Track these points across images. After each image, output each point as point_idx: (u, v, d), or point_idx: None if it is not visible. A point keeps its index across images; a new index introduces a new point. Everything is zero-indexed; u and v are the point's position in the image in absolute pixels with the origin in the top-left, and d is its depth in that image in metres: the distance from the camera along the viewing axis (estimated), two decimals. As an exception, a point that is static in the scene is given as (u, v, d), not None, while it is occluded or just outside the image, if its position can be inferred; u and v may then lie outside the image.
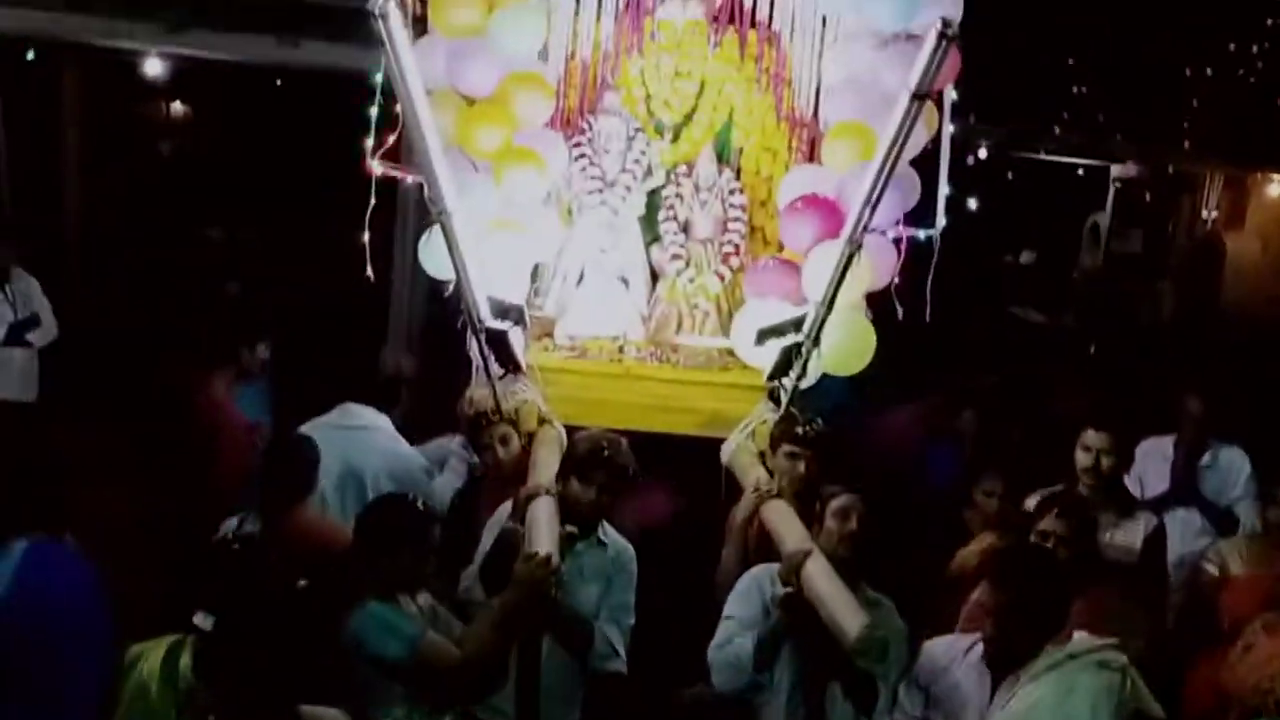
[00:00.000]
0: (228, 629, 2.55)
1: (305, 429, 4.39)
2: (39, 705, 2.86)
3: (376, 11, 2.98)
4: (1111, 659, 3.10)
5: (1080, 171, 10.96)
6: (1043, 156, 10.29)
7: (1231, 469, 4.84)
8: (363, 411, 4.62)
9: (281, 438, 4.45)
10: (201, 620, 2.59)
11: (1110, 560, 3.91)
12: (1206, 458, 4.89)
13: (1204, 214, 10.25)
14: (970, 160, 9.05)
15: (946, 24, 3.12)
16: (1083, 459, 4.09)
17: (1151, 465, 4.88)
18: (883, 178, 3.48)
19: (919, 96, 3.23)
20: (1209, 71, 9.16)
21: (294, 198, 10.10)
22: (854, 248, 3.68)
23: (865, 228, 3.65)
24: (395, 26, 3.04)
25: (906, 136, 3.36)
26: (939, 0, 4.13)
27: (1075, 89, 9.41)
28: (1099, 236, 11.69)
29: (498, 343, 4.10)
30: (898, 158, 3.45)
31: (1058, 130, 9.63)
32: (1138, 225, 11.34)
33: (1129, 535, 3.99)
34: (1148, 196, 10.64)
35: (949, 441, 5.47)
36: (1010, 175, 10.62)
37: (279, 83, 10.17)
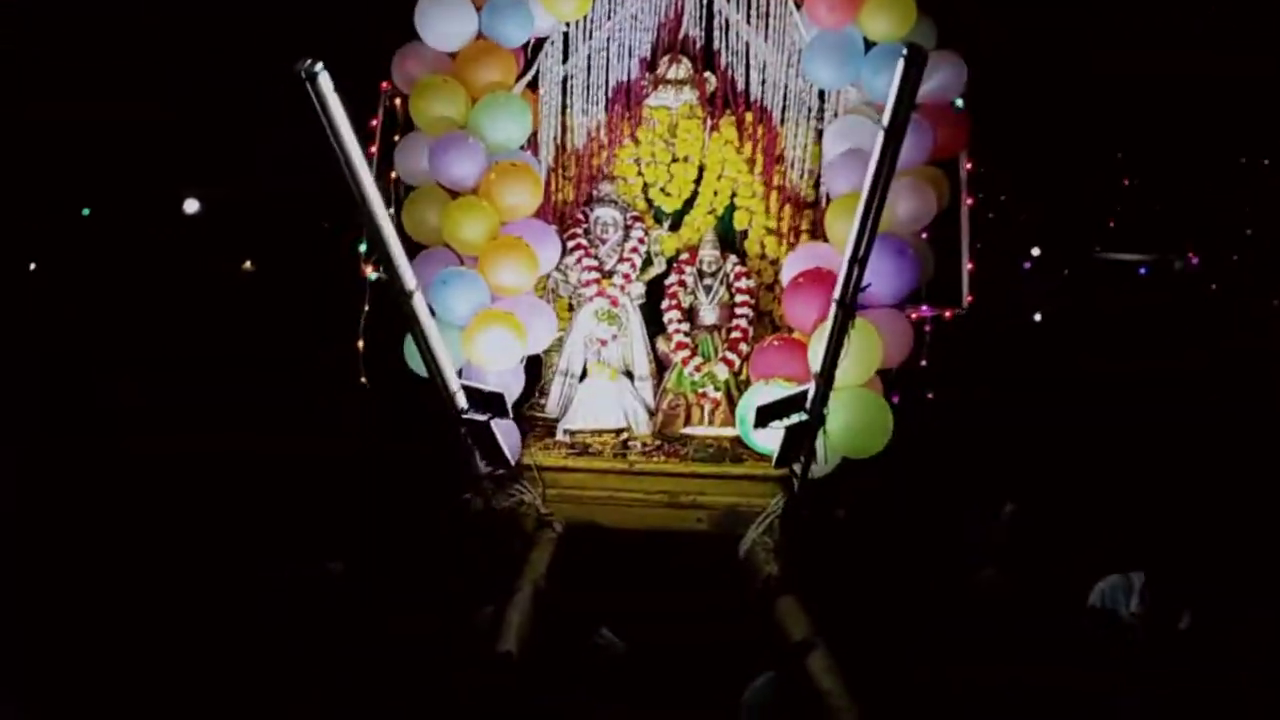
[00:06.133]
0: None
1: None
2: None
3: (303, 74, 2.84)
4: None
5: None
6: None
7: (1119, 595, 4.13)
8: None
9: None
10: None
11: None
12: (1095, 595, 4.15)
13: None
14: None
15: (914, 49, 2.89)
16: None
17: None
18: (867, 231, 3.22)
19: (891, 130, 2.99)
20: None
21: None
22: (843, 310, 3.39)
23: (856, 288, 3.36)
24: (325, 88, 2.88)
25: (886, 176, 3.11)
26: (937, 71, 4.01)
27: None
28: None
29: (480, 435, 3.86)
30: (880, 205, 3.19)
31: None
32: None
33: None
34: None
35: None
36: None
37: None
